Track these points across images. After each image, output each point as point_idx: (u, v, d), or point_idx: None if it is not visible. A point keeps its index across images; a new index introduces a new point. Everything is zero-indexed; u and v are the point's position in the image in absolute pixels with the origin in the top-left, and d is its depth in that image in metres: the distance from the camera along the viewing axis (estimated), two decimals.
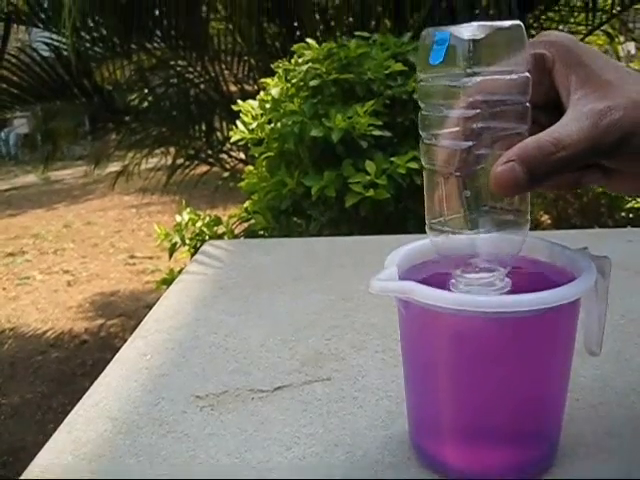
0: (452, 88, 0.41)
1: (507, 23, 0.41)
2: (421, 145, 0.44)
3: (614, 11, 3.31)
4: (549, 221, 3.63)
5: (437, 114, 0.42)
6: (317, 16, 3.25)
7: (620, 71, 0.43)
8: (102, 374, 0.67)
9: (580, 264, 0.45)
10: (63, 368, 3.35)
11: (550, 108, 0.44)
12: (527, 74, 0.42)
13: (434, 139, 0.43)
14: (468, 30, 0.40)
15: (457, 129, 0.42)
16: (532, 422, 0.46)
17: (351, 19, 3.43)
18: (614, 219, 3.11)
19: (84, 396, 0.63)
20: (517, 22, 0.41)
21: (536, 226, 3.44)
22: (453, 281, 0.45)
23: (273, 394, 0.61)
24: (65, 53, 3.46)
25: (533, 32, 3.47)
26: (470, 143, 0.41)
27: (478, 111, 0.41)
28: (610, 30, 3.55)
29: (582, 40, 3.49)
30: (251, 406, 0.59)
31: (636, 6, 3.34)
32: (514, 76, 0.41)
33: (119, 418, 0.58)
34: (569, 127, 0.41)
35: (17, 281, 4.71)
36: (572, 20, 3.53)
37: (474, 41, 0.40)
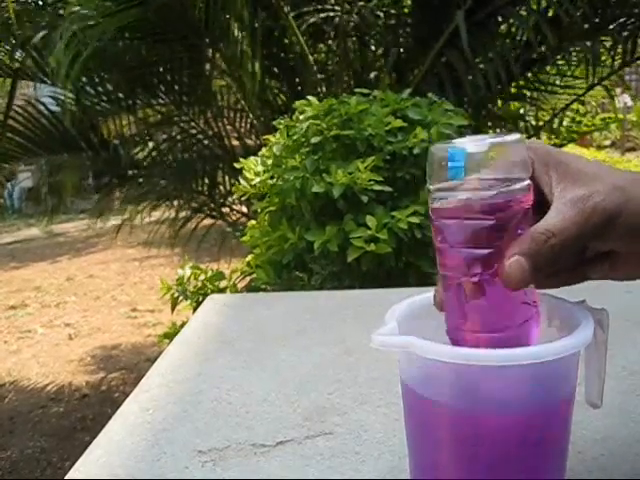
0: (469, 201, 0.44)
1: (512, 137, 0.44)
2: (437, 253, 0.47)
3: (613, 69, 3.38)
4: None
5: (454, 227, 0.45)
6: (318, 74, 3.32)
7: (597, 165, 0.47)
8: (104, 429, 0.67)
9: (578, 317, 0.46)
10: (63, 422, 3.32)
11: (534, 208, 0.46)
12: (529, 181, 0.45)
13: (449, 247, 0.45)
14: (478, 145, 0.43)
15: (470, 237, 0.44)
16: (533, 474, 0.46)
17: (351, 73, 3.50)
18: None
19: (86, 451, 0.63)
20: (520, 137, 0.44)
21: None
22: None
23: (275, 449, 0.61)
24: (70, 107, 3.53)
25: (531, 86, 3.53)
26: (490, 250, 0.44)
27: (493, 222, 0.43)
28: (606, 83, 3.61)
29: (583, 95, 3.55)
30: (253, 461, 0.59)
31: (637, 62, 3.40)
32: (523, 183, 0.44)
33: (121, 474, 0.58)
34: (556, 217, 0.44)
35: (19, 334, 4.69)
36: (569, 73, 3.60)
37: (487, 155, 0.43)
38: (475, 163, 0.43)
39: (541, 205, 0.46)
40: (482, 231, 0.43)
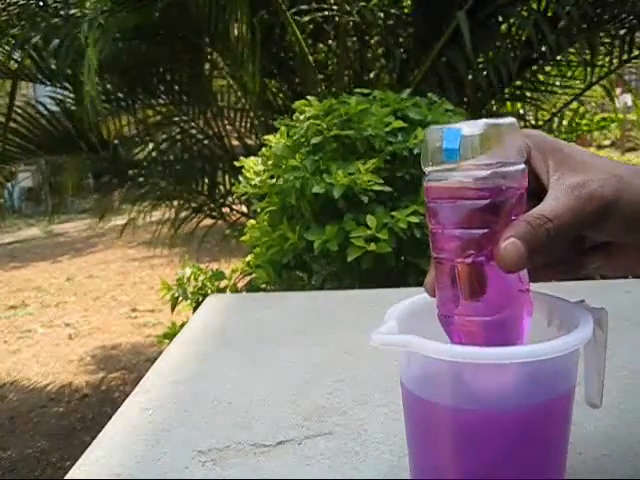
0: (464, 181, 0.43)
1: (506, 120, 0.44)
2: (430, 236, 0.46)
3: (611, 67, 3.38)
4: None
5: (448, 208, 0.44)
6: (318, 74, 3.31)
7: (593, 155, 0.47)
8: (104, 429, 0.67)
9: (578, 316, 0.46)
10: (63, 422, 3.32)
11: (530, 195, 0.46)
12: (524, 165, 0.45)
13: (443, 229, 0.45)
14: (473, 127, 0.43)
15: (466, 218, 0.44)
16: (533, 473, 0.46)
17: (351, 73, 3.50)
18: None
19: (86, 451, 0.63)
20: (513, 120, 0.45)
21: None
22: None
23: (275, 449, 0.61)
24: (69, 107, 3.53)
25: (531, 86, 3.53)
26: (484, 230, 0.43)
27: (488, 201, 0.43)
28: (606, 83, 3.61)
29: (581, 94, 3.56)
30: (253, 461, 0.59)
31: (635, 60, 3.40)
32: (518, 166, 0.44)
33: (121, 473, 0.58)
34: (553, 203, 0.44)
35: (19, 334, 4.69)
36: (569, 74, 3.60)
37: (482, 137, 0.42)
38: (470, 146, 0.42)
39: (537, 192, 0.46)
40: (476, 211, 0.43)
